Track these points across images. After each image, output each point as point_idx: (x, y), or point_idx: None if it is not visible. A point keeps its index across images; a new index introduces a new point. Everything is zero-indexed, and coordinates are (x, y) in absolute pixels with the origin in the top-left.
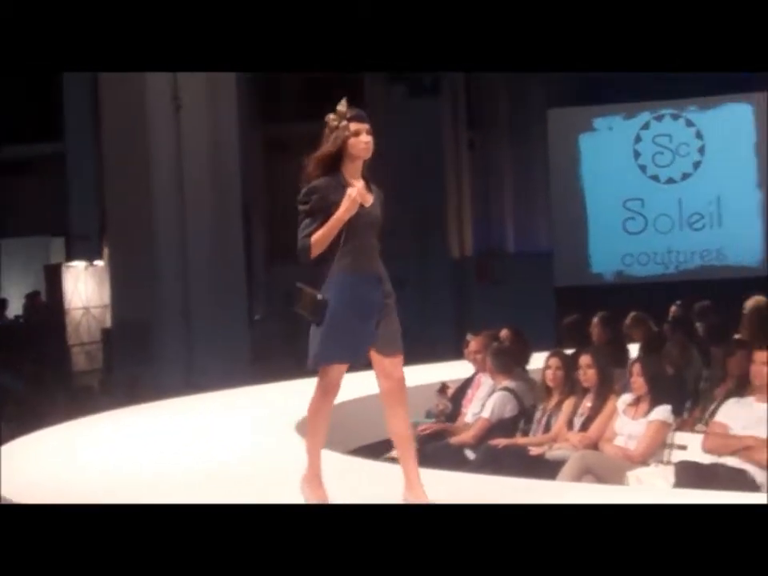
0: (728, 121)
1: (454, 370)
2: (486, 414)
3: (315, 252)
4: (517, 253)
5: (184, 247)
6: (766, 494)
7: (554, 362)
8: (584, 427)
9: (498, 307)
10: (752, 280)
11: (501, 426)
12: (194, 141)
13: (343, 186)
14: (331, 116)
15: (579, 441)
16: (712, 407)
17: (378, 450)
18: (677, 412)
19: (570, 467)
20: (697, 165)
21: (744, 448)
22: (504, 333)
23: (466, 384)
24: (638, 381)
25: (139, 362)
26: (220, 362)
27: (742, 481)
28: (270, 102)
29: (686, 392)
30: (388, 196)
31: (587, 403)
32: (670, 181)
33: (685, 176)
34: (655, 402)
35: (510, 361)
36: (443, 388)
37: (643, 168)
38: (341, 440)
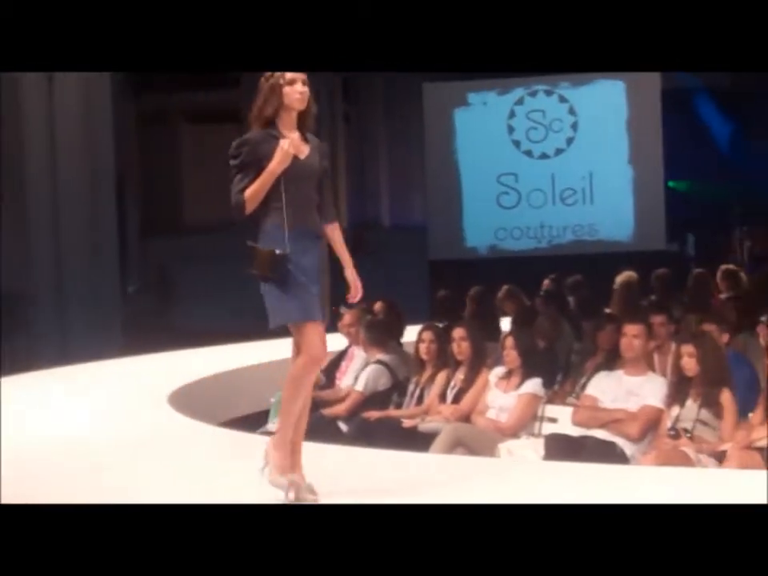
0: (601, 97)
1: (328, 343)
2: (359, 386)
3: (250, 207)
4: (392, 226)
5: (56, 219)
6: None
7: (428, 335)
8: (456, 400)
9: (372, 280)
10: (623, 255)
11: (374, 399)
12: (66, 113)
13: (276, 138)
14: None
15: (451, 413)
16: (582, 380)
17: (251, 421)
18: (548, 385)
19: (442, 439)
20: (570, 141)
21: (613, 421)
22: (378, 306)
23: (340, 357)
24: (510, 354)
25: (11, 333)
26: (93, 334)
27: (610, 453)
28: (142, 74)
29: (558, 365)
30: None
31: (460, 376)
32: (544, 156)
33: (558, 151)
34: (526, 376)
35: (383, 334)
36: None
37: (517, 143)
38: (214, 412)
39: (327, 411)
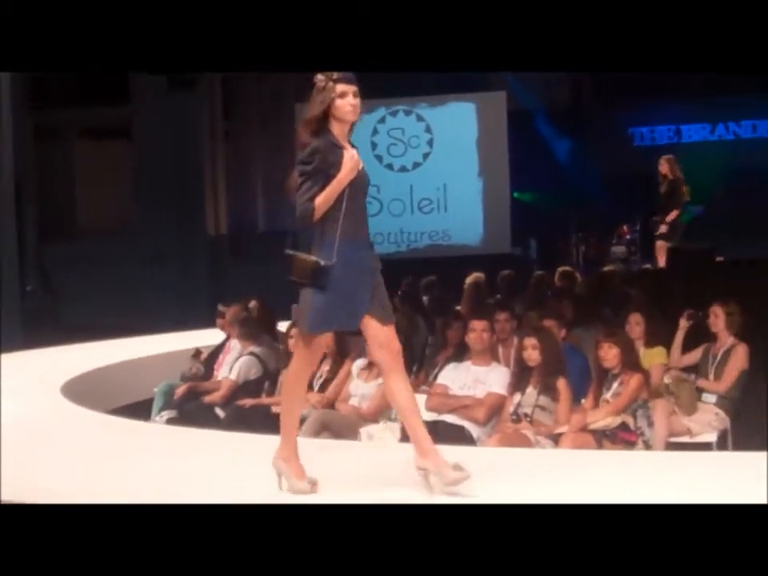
0: (454, 117)
1: (208, 337)
2: (233, 375)
3: (318, 215)
4: (267, 232)
5: None
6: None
7: (295, 331)
8: (322, 389)
9: (248, 281)
10: (472, 258)
11: (247, 387)
12: None
13: (339, 148)
14: (319, 76)
15: (318, 401)
16: (435, 371)
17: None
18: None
19: (309, 424)
20: (426, 155)
21: (461, 406)
22: (252, 304)
23: (218, 350)
24: None
25: None
26: None
27: (459, 436)
28: (41, 89)
29: (413, 358)
30: (152, 183)
31: (325, 367)
32: (403, 169)
33: (415, 165)
34: None
35: (256, 329)
36: (197, 353)
37: (379, 158)
38: (103, 401)
39: (206, 399)
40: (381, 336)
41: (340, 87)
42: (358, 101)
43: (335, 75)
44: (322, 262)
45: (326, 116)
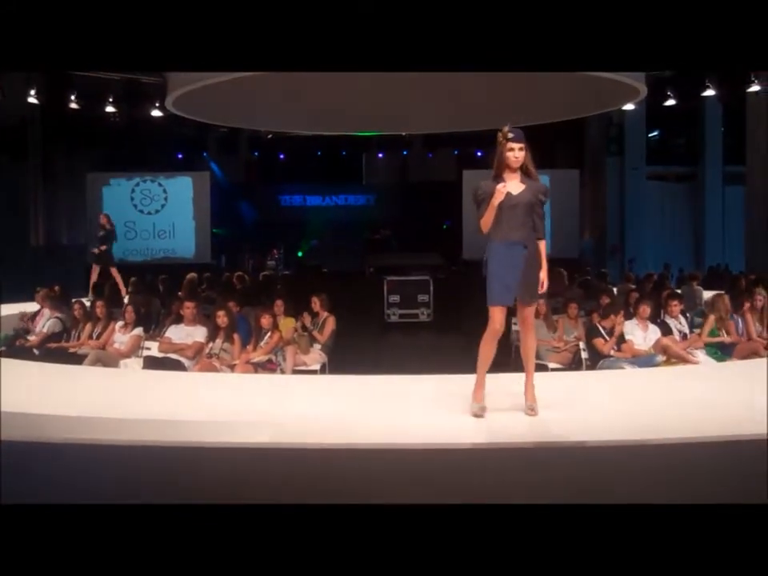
0: (180, 185)
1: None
2: (45, 330)
3: (485, 229)
4: (68, 244)
5: None
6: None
7: (78, 305)
8: (98, 338)
9: (54, 274)
10: (189, 265)
11: (52, 337)
12: None
13: (494, 183)
14: (499, 135)
15: (94, 344)
16: (165, 330)
17: None
18: (146, 330)
19: (90, 359)
20: (163, 206)
21: (179, 349)
22: (56, 288)
23: (35, 314)
24: (129, 314)
25: None
26: None
27: (179, 367)
28: None
29: (150, 321)
30: None
31: (99, 327)
32: (149, 213)
33: (156, 211)
34: (135, 325)
35: (58, 302)
36: (23, 315)
37: (135, 206)
38: None
39: (27, 344)
40: (524, 311)
41: (509, 144)
42: (522, 153)
43: (507, 135)
44: (483, 257)
45: (501, 162)
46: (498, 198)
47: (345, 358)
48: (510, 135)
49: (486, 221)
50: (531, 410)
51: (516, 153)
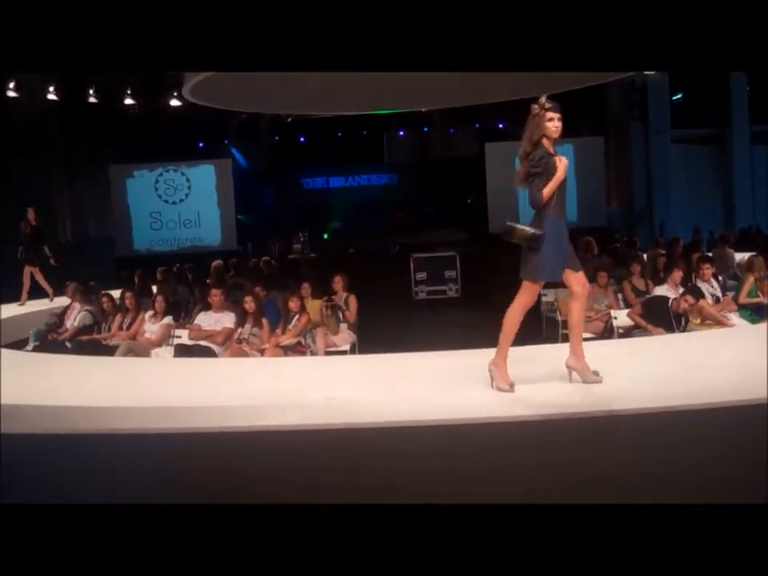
0: (202, 173)
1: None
2: (76, 323)
3: (546, 201)
4: (96, 236)
5: None
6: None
7: (106, 298)
8: (128, 329)
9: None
10: (215, 252)
11: (85, 329)
12: None
13: (551, 155)
14: (535, 106)
15: (125, 336)
16: (194, 317)
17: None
18: (176, 319)
19: (121, 349)
20: (187, 195)
21: (209, 335)
22: (92, 283)
23: (66, 308)
24: (158, 302)
25: None
26: None
27: (209, 353)
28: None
29: (180, 309)
30: None
31: (128, 317)
32: (174, 203)
33: (181, 201)
34: (164, 314)
35: (88, 295)
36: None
37: (160, 196)
38: None
39: (59, 337)
40: (579, 278)
41: (549, 114)
42: (560, 124)
43: (546, 105)
44: (538, 232)
45: (540, 134)
46: (565, 171)
47: (374, 337)
48: (549, 105)
49: (551, 193)
50: (596, 374)
51: (556, 123)
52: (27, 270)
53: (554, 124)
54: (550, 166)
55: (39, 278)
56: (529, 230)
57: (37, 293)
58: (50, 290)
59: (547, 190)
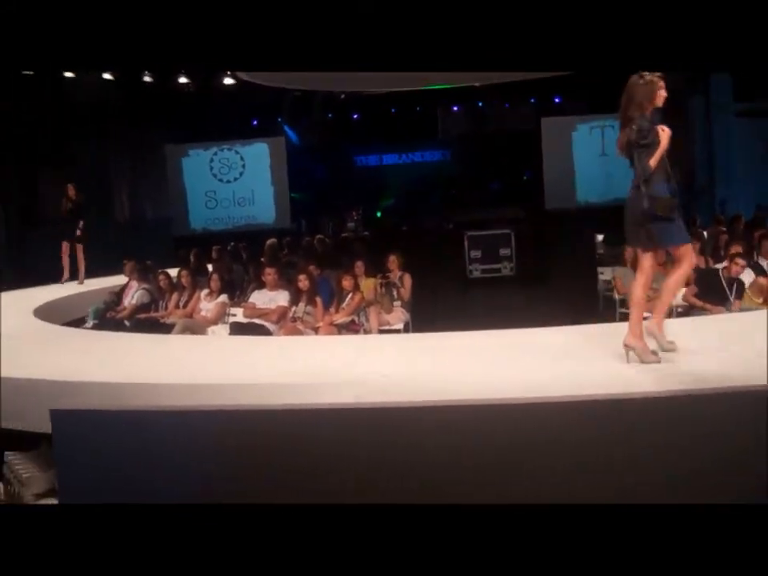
0: (257, 152)
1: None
2: (134, 301)
3: (653, 170)
4: (155, 218)
5: None
6: None
7: (163, 276)
8: (184, 306)
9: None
10: (269, 231)
11: (143, 307)
12: None
13: (654, 125)
14: (647, 75)
15: (182, 314)
16: (248, 295)
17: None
18: (231, 297)
19: (178, 327)
20: (242, 173)
21: (263, 314)
22: (131, 264)
23: (124, 287)
24: (214, 281)
25: None
26: None
27: (262, 331)
28: None
29: (235, 287)
30: None
31: (185, 295)
32: (228, 181)
33: (235, 179)
34: (219, 292)
35: (145, 273)
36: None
37: (215, 175)
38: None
39: (117, 316)
40: (686, 250)
41: (660, 82)
42: (665, 92)
43: (657, 73)
44: (675, 198)
45: (649, 102)
46: (667, 142)
47: (428, 315)
48: (659, 73)
49: (658, 162)
50: (671, 342)
51: (664, 92)
52: (66, 245)
53: (663, 92)
54: (654, 136)
55: (80, 256)
56: (670, 197)
57: (100, 270)
58: (82, 271)
59: (653, 161)
